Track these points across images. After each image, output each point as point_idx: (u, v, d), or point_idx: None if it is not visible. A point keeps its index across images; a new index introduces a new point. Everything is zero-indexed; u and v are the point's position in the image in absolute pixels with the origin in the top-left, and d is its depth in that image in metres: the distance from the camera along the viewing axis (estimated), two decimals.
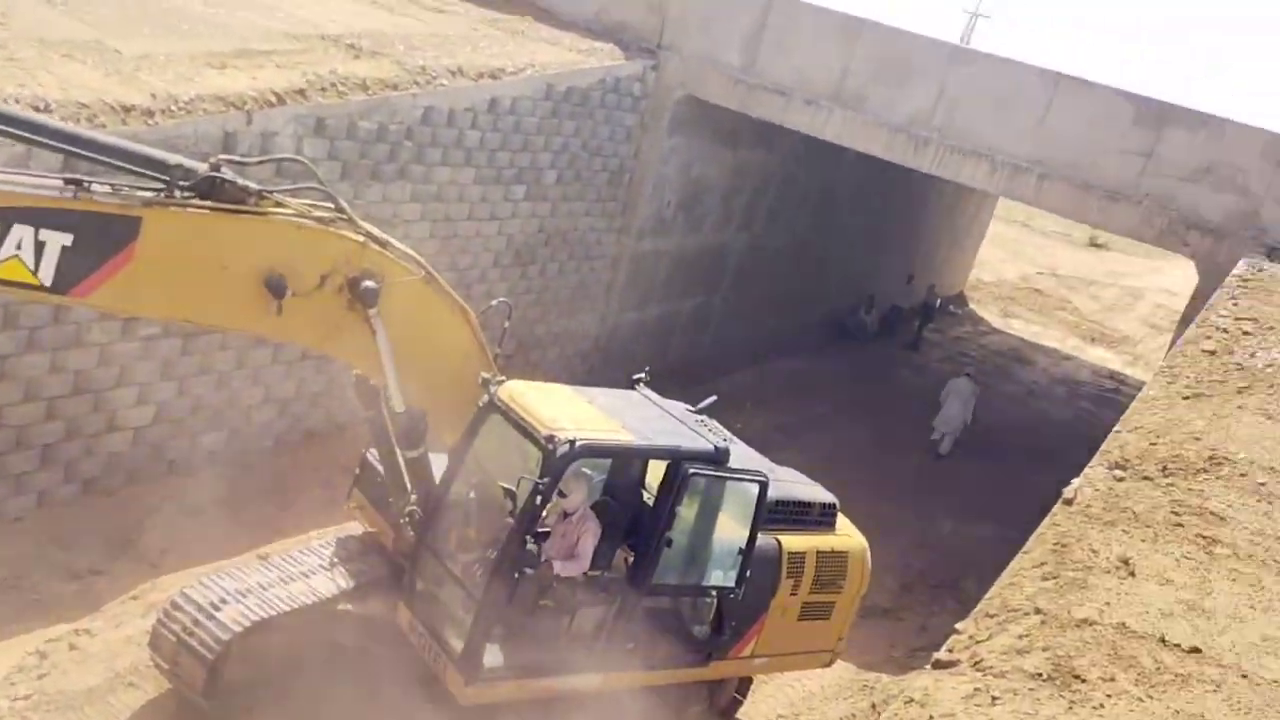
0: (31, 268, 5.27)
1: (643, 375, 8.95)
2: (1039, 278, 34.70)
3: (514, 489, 7.06)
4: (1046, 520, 6.42)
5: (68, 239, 5.30)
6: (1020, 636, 5.05)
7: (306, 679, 8.26)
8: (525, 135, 13.70)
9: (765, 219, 19.40)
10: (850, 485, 11.27)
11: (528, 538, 7.18)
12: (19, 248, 5.17)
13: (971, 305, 30.55)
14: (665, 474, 7.82)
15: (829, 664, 9.75)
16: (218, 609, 7.70)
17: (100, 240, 5.43)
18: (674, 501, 7.74)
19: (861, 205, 21.96)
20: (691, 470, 7.74)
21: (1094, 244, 42.15)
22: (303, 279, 6.28)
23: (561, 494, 7.48)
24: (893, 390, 21.85)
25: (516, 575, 7.19)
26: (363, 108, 11.30)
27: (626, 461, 8.52)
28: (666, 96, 15.66)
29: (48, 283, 5.35)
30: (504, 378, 7.72)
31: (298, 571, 8.30)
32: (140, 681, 8.05)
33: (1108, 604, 5.27)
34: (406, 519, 7.76)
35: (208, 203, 5.79)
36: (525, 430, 7.30)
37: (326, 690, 8.14)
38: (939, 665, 5.12)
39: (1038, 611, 5.24)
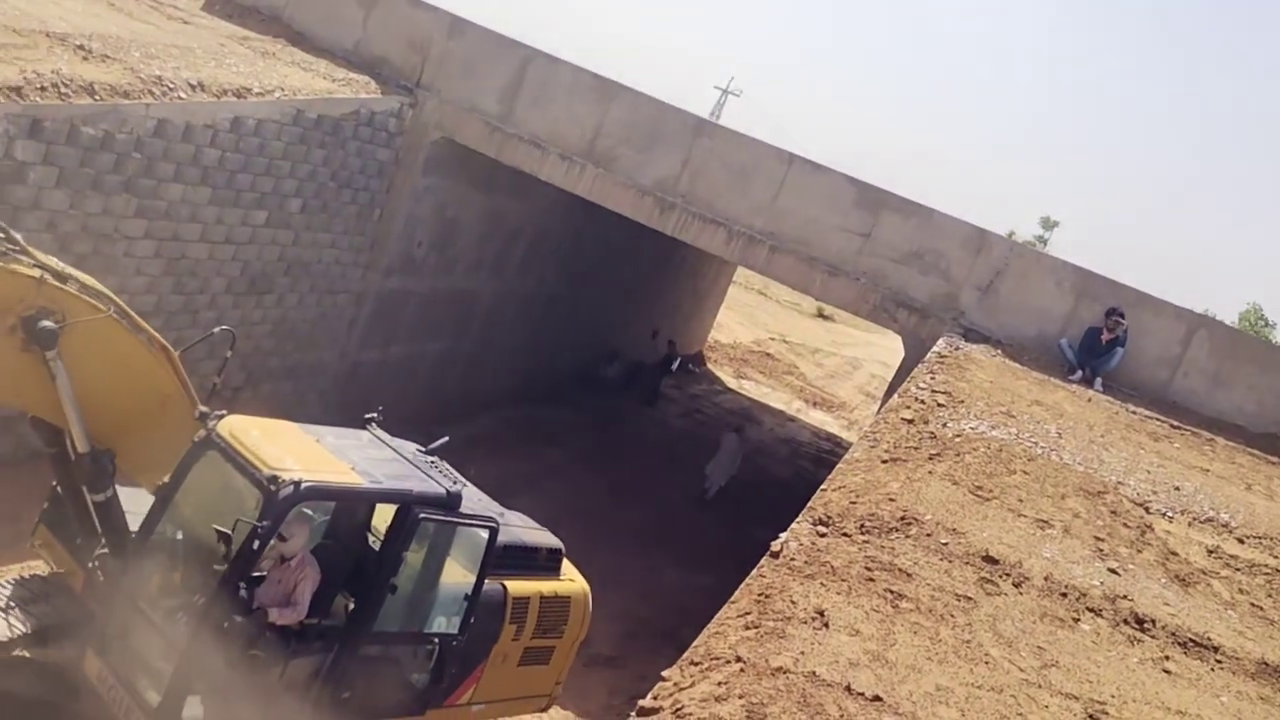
0: None
1: (374, 415, 8.75)
2: (771, 343, 36.74)
3: (228, 531, 6.68)
4: (754, 572, 6.76)
5: None
6: (720, 684, 5.26)
7: None
8: (270, 159, 13.21)
9: (517, 266, 19.55)
10: (582, 533, 11.46)
11: (240, 583, 6.82)
12: None
13: (709, 365, 31.88)
14: (394, 518, 7.65)
15: (546, 708, 9.79)
16: None
17: None
18: (401, 546, 7.58)
19: (612, 260, 22.56)
20: (421, 515, 7.61)
21: (821, 315, 45.15)
22: None
23: (281, 538, 7.15)
24: (631, 442, 22.42)
25: (225, 623, 6.80)
26: (88, 113, 10.56)
27: (353, 504, 8.28)
28: (423, 136, 15.57)
29: None
30: (223, 412, 7.33)
31: None
32: None
33: (802, 653, 5.59)
34: (96, 563, 7.18)
35: None
36: (245, 469, 6.95)
37: None
38: (643, 712, 5.25)
39: (738, 659, 5.49)
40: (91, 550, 7.32)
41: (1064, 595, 7.15)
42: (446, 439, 8.83)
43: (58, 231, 10.77)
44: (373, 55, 15.78)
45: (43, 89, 10.11)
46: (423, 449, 8.56)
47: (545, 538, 9.34)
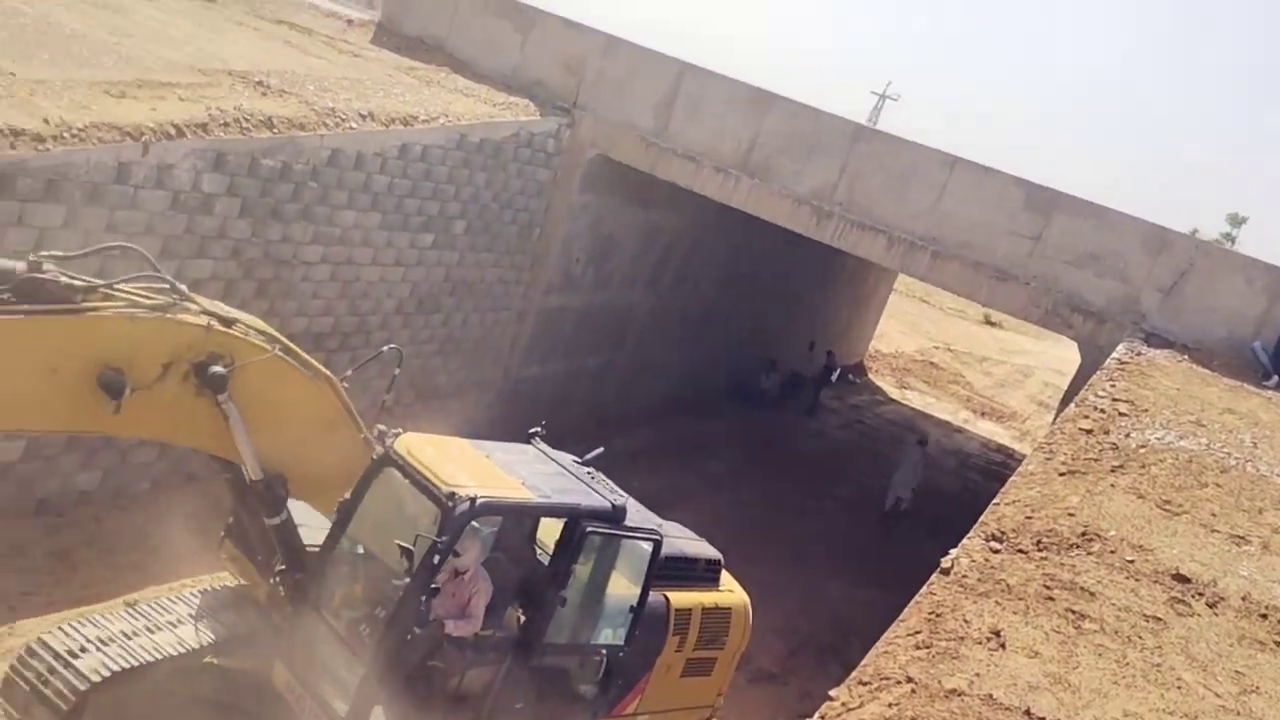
0: None
1: (538, 430, 8.90)
2: (935, 351, 35.72)
3: (410, 547, 6.89)
4: (924, 589, 6.52)
5: None
6: (890, 705, 5.09)
7: None
8: (435, 183, 13.66)
9: (672, 279, 19.61)
10: (743, 546, 11.34)
11: (421, 597, 7.04)
12: None
13: (869, 375, 31.23)
14: (562, 532, 7.77)
15: None
16: (76, 657, 7.34)
17: None
18: (569, 559, 7.69)
19: (768, 271, 22.38)
20: (589, 528, 7.71)
21: (988, 321, 43.62)
22: (143, 372, 5.93)
23: (455, 552, 7.35)
24: (790, 454, 22.14)
25: (409, 635, 7.03)
26: (267, 145, 11.14)
27: (520, 518, 8.45)
28: (580, 154, 15.81)
29: None
30: (399, 430, 7.59)
31: (165, 621, 7.96)
32: None
33: (977, 675, 5.35)
34: (277, 579, 7.52)
35: (27, 306, 5.40)
36: (423, 486, 7.17)
37: None
38: None
39: (909, 680, 5.29)
40: (271, 566, 7.66)
41: (1264, 616, 6.63)
42: (601, 450, 8.91)
43: (241, 259, 11.40)
44: (530, 78, 16.13)
45: (226, 124, 10.72)
46: (579, 460, 8.67)
47: (704, 548, 9.32)
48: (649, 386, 20.22)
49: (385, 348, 8.49)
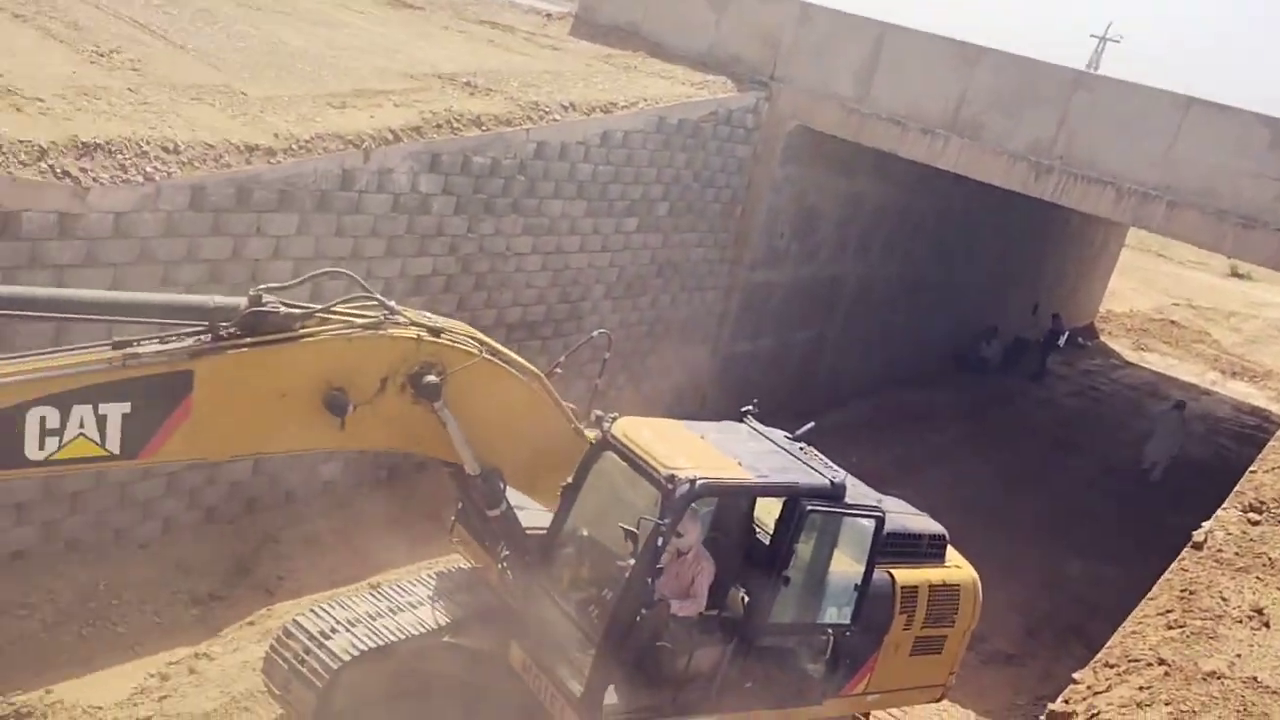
0: (98, 441, 5.28)
1: (750, 408, 8.83)
2: (1175, 309, 33.25)
3: (634, 529, 6.99)
4: (1174, 565, 6.05)
5: (126, 407, 5.29)
6: (1141, 689, 4.74)
7: (414, 709, 8.36)
8: (637, 168, 13.78)
9: (881, 248, 19.07)
10: (971, 522, 10.91)
11: (649, 578, 7.13)
12: (82, 426, 5.19)
13: (1102, 337, 29.43)
14: (782, 511, 7.69)
15: (940, 699, 9.46)
16: (328, 637, 7.83)
17: (157, 400, 5.41)
18: (791, 538, 7.60)
19: (983, 233, 21.43)
20: (810, 507, 7.60)
21: (1235, 273, 40.26)
22: (362, 388, 6.20)
23: (677, 533, 7.41)
24: (1016, 424, 21.15)
25: (637, 616, 7.14)
26: (477, 143, 11.52)
27: (738, 498, 8.42)
28: (779, 127, 15.57)
29: (117, 451, 5.36)
30: (616, 414, 7.70)
31: (406, 602, 8.38)
32: (254, 706, 8.23)
33: (1239, 656, 4.91)
34: (504, 564, 7.79)
35: (253, 338, 5.70)
36: (642, 469, 7.25)
37: None
38: (1054, 717, 4.84)
39: (1161, 662, 4.92)
40: (498, 552, 7.91)
41: None
42: (812, 425, 8.75)
43: (459, 254, 11.85)
44: (726, 55, 15.99)
45: (438, 126, 11.15)
46: (790, 435, 8.55)
47: (927, 524, 9.01)
48: (862, 359, 19.76)
49: (595, 333, 8.61)
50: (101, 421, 5.24)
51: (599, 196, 13.37)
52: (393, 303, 6.49)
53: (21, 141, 8.15)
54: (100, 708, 7.76)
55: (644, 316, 14.99)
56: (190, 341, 5.55)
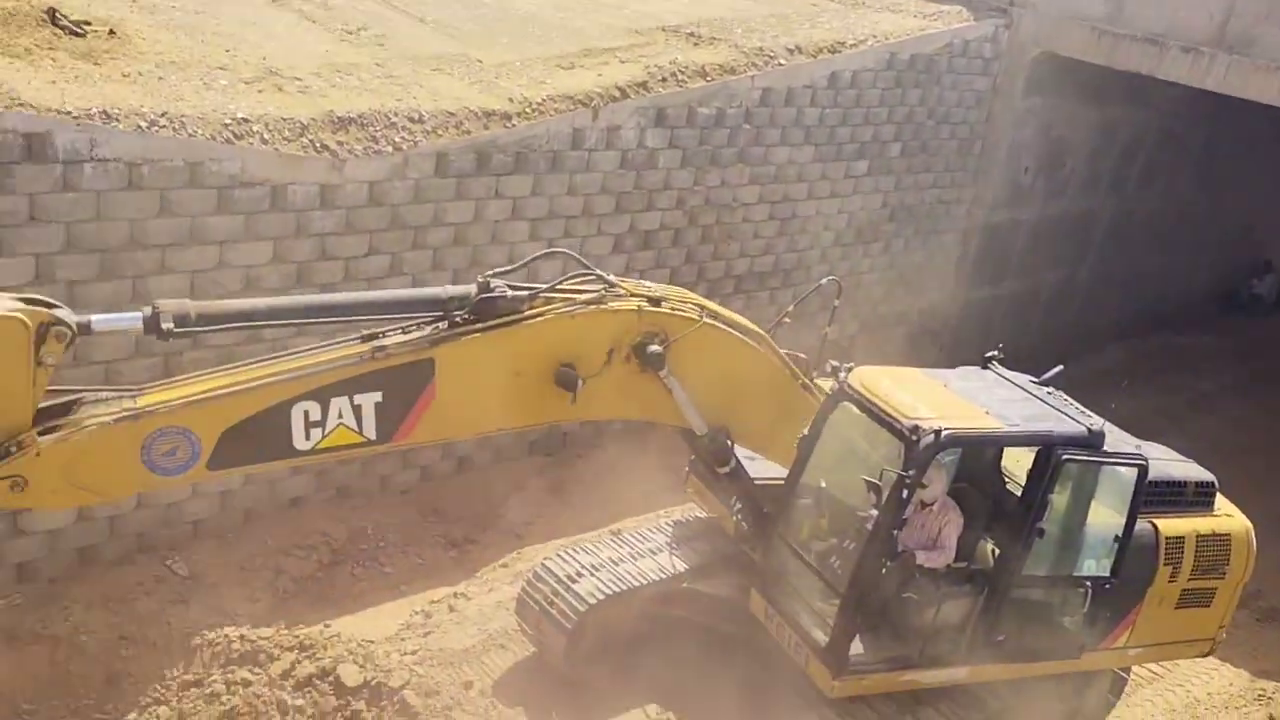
0: (356, 429, 5.71)
1: (995, 354, 8.45)
2: None
3: (877, 481, 6.89)
4: None
5: (378, 396, 5.70)
6: None
7: (658, 651, 8.60)
8: (866, 108, 13.35)
9: (1138, 181, 17.70)
10: (1242, 471, 10.07)
11: (893, 530, 7.03)
12: (340, 417, 5.64)
13: None
14: (1035, 460, 7.37)
15: (1208, 654, 8.87)
16: (575, 581, 8.16)
17: (404, 388, 5.79)
18: (1045, 489, 7.27)
19: (1256, 160, 19.47)
20: (1065, 456, 7.23)
21: None
22: (590, 362, 6.37)
23: (921, 484, 7.23)
24: None
25: (882, 568, 7.08)
26: (701, 94, 11.48)
27: (987, 448, 8.13)
28: (1021, 56, 14.65)
29: (373, 437, 5.79)
30: (851, 364, 7.57)
31: (647, 548, 8.63)
32: (509, 644, 8.68)
33: None
34: (738, 516, 7.83)
35: (484, 323, 5.98)
36: (883, 419, 7.11)
37: (677, 662, 8.42)
38: None
39: None
40: (732, 504, 7.97)
41: None
42: (1060, 368, 8.29)
43: (686, 208, 11.91)
44: None
45: (663, 80, 11.19)
46: (1035, 380, 8.14)
47: (1194, 471, 8.38)
48: (1118, 300, 18.48)
49: (823, 280, 8.47)
50: (357, 411, 5.67)
51: (827, 141, 13.05)
52: (612, 276, 6.63)
53: (284, 119, 8.78)
54: (373, 641, 8.37)
55: (876, 264, 14.59)
56: (429, 330, 5.90)
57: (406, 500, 10.38)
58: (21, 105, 7.47)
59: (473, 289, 6.03)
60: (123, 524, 8.78)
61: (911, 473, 6.84)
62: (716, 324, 6.97)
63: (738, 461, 7.56)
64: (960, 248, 15.61)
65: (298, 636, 8.25)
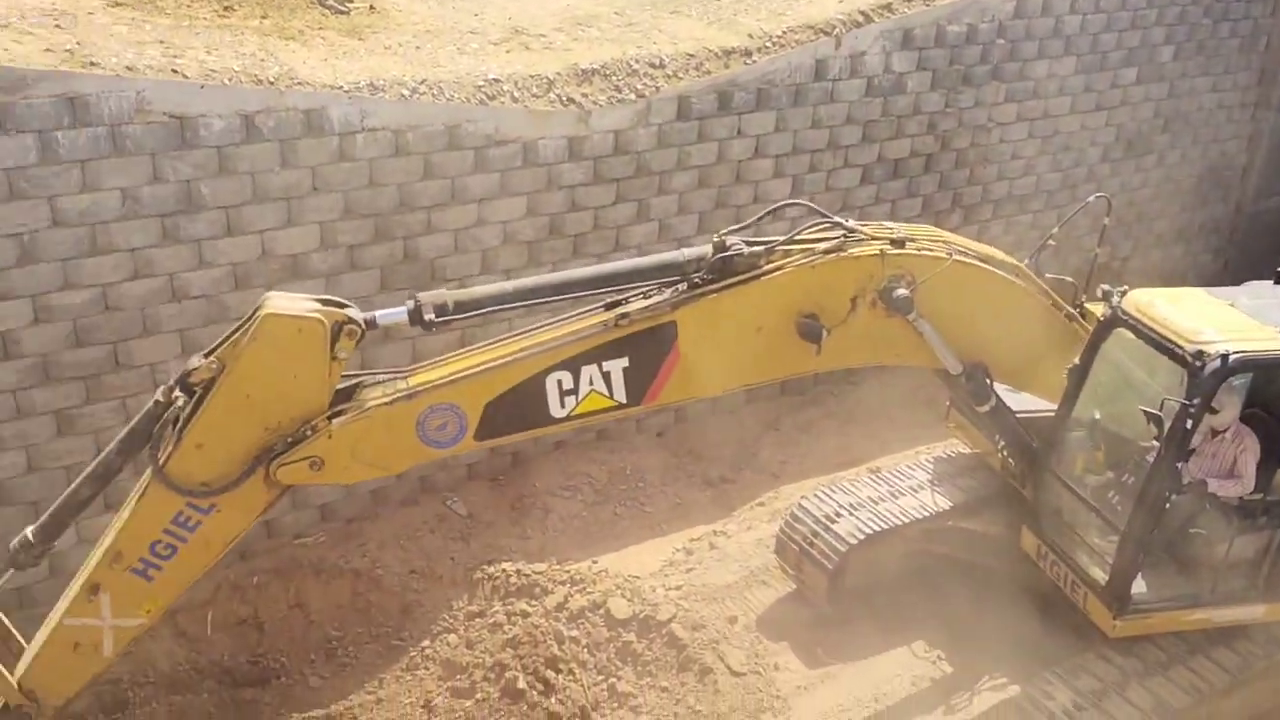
0: (607, 394, 5.89)
1: None
2: None
3: (1157, 412, 6.45)
4: None
5: (625, 361, 5.86)
6: None
7: (922, 589, 8.47)
8: (1133, 11, 12.30)
9: None
10: None
11: (1177, 462, 6.60)
12: (591, 384, 5.84)
13: None
14: None
15: None
16: (834, 521, 8.13)
17: (649, 353, 5.91)
18: None
19: None
20: None
21: None
22: (834, 312, 6.23)
23: (1212, 410, 6.72)
24: None
25: (1166, 502, 6.67)
26: (950, 11, 10.92)
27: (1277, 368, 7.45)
28: None
29: (624, 400, 5.95)
30: (1125, 287, 7.08)
31: (907, 486, 8.47)
32: (770, 580, 8.77)
33: None
34: (1004, 452, 7.53)
35: (723, 281, 5.96)
36: (1162, 345, 6.63)
37: (943, 600, 8.26)
38: None
39: None
40: (996, 440, 7.64)
41: None
42: None
43: (937, 131, 11.42)
44: None
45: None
46: None
47: None
48: None
49: (1091, 197, 7.92)
50: (607, 377, 5.86)
51: (1090, 50, 12.14)
52: (851, 221, 6.44)
53: (532, 76, 9.05)
54: (638, 577, 8.68)
55: (1148, 178, 13.50)
56: (669, 294, 5.97)
57: (663, 442, 10.63)
58: (300, 84, 8.04)
59: (709, 249, 6.05)
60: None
61: (1196, 401, 6.36)
62: (966, 260, 6.67)
63: (998, 398, 7.24)
64: (1245, 155, 14.22)
65: (568, 572, 8.67)
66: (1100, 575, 6.92)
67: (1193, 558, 7.00)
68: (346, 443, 5.47)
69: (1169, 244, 14.11)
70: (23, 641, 5.94)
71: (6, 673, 5.77)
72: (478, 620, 8.45)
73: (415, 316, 5.55)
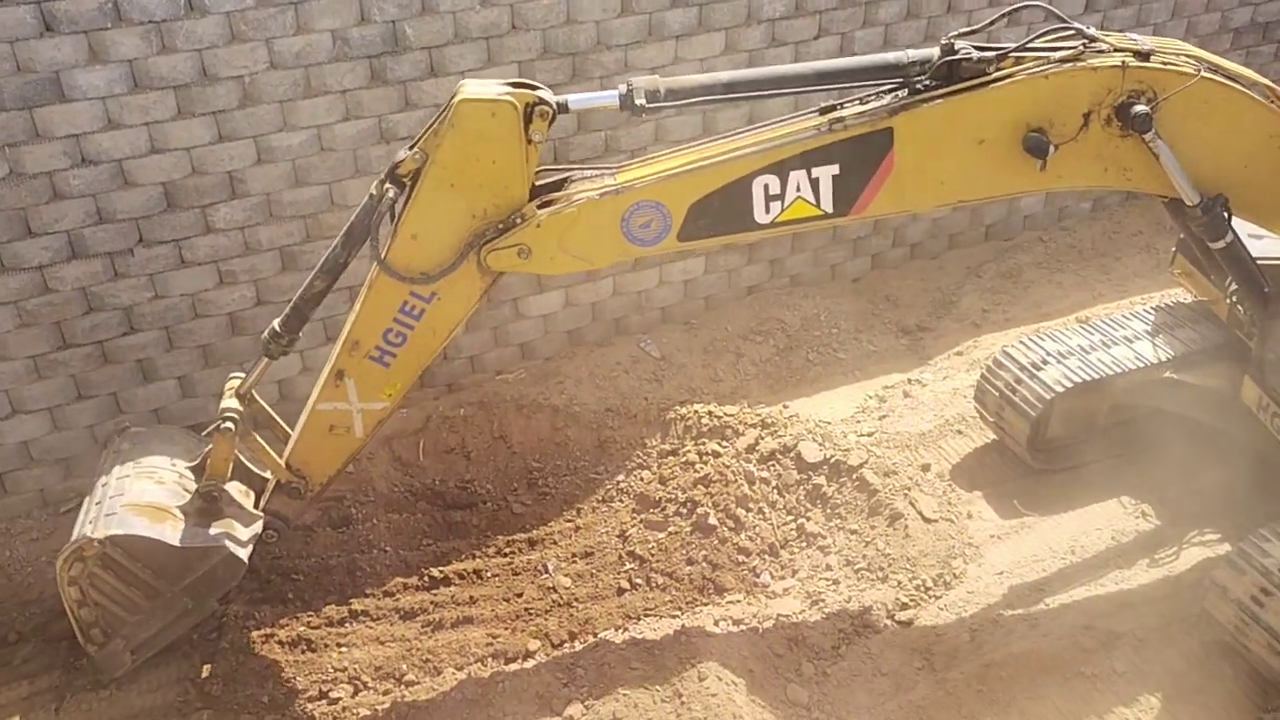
0: (814, 202, 5.80)
1: None
2: None
3: None
4: None
5: (835, 169, 5.72)
6: None
7: (1131, 443, 8.14)
8: None
9: None
10: None
11: None
12: (799, 190, 5.75)
13: None
14: None
15: None
16: (1039, 369, 7.85)
17: (862, 160, 5.74)
18: None
19: None
20: None
21: None
22: (1063, 126, 5.83)
23: None
24: None
25: None
26: None
27: None
28: None
29: (830, 210, 5.85)
30: None
31: (1120, 336, 8.06)
32: (967, 430, 8.60)
33: None
34: (1233, 298, 6.99)
35: (948, 88, 5.68)
36: None
37: (1153, 455, 7.93)
38: None
39: None
40: (1225, 286, 7.20)
41: None
42: None
43: None
44: None
45: None
46: None
47: None
48: None
49: None
50: (815, 184, 5.77)
51: None
52: (1094, 29, 5.95)
53: None
54: (829, 423, 8.67)
55: None
56: (888, 99, 5.78)
57: (858, 288, 10.42)
58: None
59: (935, 52, 5.78)
60: (602, 309, 9.64)
61: None
62: (1216, 78, 6.07)
63: (1235, 235, 6.69)
64: None
65: (760, 415, 8.75)
66: None
67: None
68: (554, 233, 5.71)
69: None
70: (287, 428, 6.77)
71: (274, 455, 6.61)
72: (670, 458, 8.67)
73: (627, 101, 5.64)
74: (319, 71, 7.81)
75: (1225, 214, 6.48)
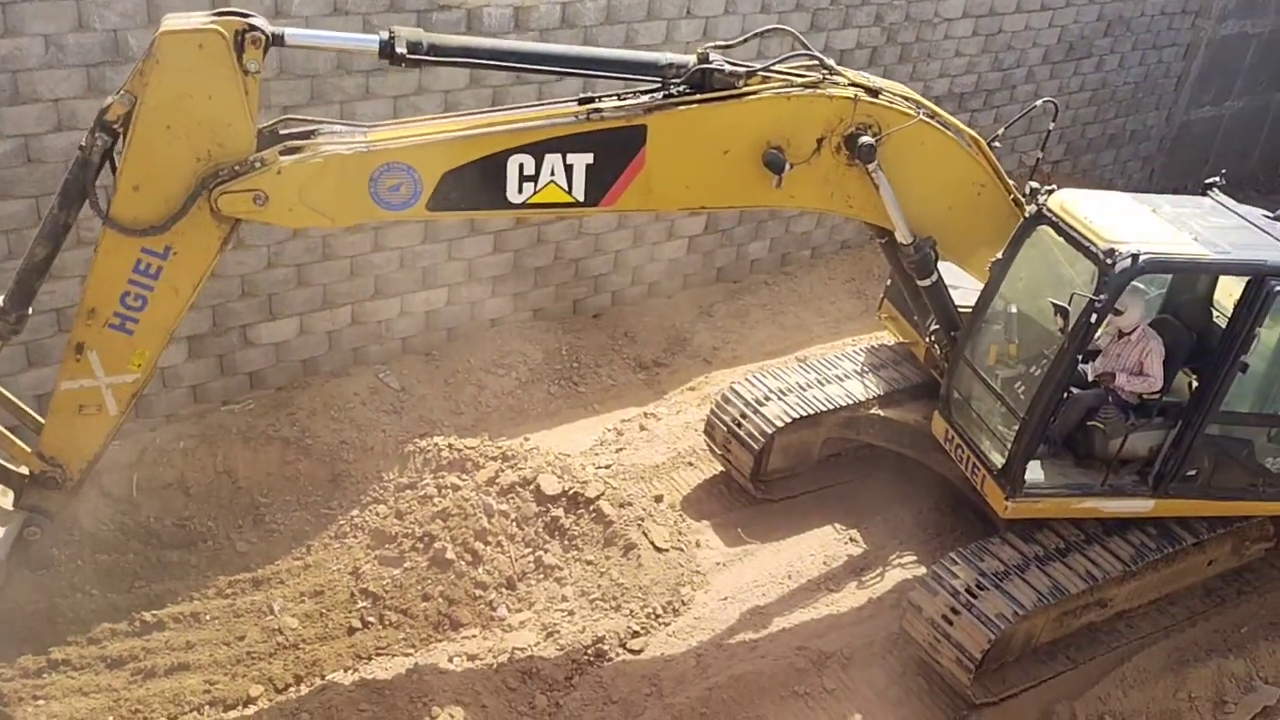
0: (566, 188, 5.93)
1: (1216, 180, 7.89)
2: None
3: (1065, 305, 6.67)
4: None
5: (589, 158, 5.89)
6: None
7: (840, 473, 8.77)
8: None
9: None
10: None
11: (1079, 357, 6.88)
12: (552, 174, 5.86)
13: None
14: (1244, 291, 6.95)
15: None
16: (762, 405, 8.33)
17: (616, 153, 5.94)
18: (1252, 321, 6.88)
19: None
20: (1277, 287, 6.79)
21: None
22: (799, 147, 6.30)
23: (1117, 311, 6.97)
24: None
25: (1065, 391, 6.95)
26: None
27: (1192, 277, 7.71)
28: None
29: (581, 199, 5.99)
30: (1053, 187, 7.23)
31: (834, 375, 8.68)
32: (698, 462, 9.00)
33: None
34: (932, 337, 7.72)
35: (700, 95, 6.01)
36: (1079, 243, 6.81)
37: (861, 485, 8.57)
38: None
39: None
40: (926, 326, 7.89)
41: None
42: None
43: (884, 24, 11.34)
44: None
45: None
46: (1271, 215, 7.56)
47: None
48: None
49: (1038, 102, 8.00)
50: (569, 170, 5.91)
51: None
52: (832, 62, 6.49)
53: None
54: (569, 455, 8.83)
55: (1087, 82, 13.63)
56: (645, 99, 6.03)
57: (598, 324, 10.69)
58: None
59: (692, 59, 6.08)
60: (339, 338, 9.41)
61: (1103, 298, 6.56)
62: (933, 123, 6.75)
63: (940, 276, 7.41)
64: (1181, 64, 14.39)
65: (500, 448, 8.78)
66: (999, 459, 7.19)
67: (1089, 450, 7.33)
68: (295, 182, 5.45)
69: (1100, 149, 14.34)
70: (38, 417, 6.13)
71: (22, 444, 5.96)
72: (408, 492, 8.55)
73: (387, 49, 5.48)
74: None
75: (933, 254, 7.18)
